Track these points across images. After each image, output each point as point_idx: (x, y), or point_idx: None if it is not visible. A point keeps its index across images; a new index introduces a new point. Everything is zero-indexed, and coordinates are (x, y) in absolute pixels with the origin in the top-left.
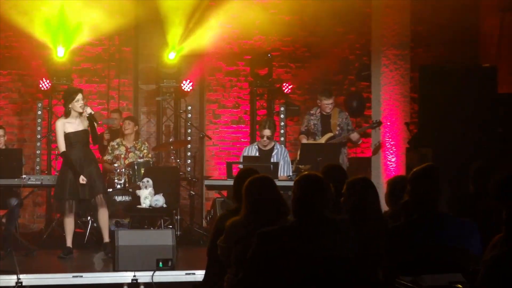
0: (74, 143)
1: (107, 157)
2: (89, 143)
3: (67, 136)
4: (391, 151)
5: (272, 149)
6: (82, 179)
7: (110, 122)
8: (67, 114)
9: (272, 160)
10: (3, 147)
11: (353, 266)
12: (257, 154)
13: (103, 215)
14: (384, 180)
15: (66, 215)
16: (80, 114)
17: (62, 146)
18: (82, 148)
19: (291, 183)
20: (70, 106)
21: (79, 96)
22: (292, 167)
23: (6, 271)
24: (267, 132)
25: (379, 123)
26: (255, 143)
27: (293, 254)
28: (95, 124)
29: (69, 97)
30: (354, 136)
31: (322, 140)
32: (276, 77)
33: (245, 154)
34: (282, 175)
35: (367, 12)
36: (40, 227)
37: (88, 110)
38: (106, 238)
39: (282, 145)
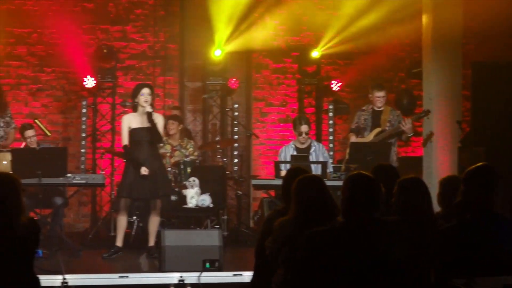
0: (139, 139)
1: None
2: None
3: (132, 131)
4: (443, 150)
5: (309, 147)
6: (144, 170)
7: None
8: (134, 109)
9: (310, 158)
10: (35, 147)
11: (404, 268)
12: (295, 153)
13: (154, 220)
14: (436, 180)
15: (119, 213)
16: (146, 115)
17: (125, 139)
18: (147, 146)
19: (340, 183)
20: (136, 100)
21: (145, 90)
22: (341, 166)
23: (52, 271)
24: (305, 128)
25: (427, 112)
26: (292, 142)
27: (343, 255)
28: (156, 124)
29: (135, 91)
30: (406, 125)
31: (371, 135)
32: (324, 74)
33: (283, 154)
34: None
35: (418, 7)
36: (85, 226)
37: (147, 108)
38: (152, 242)
39: (320, 143)
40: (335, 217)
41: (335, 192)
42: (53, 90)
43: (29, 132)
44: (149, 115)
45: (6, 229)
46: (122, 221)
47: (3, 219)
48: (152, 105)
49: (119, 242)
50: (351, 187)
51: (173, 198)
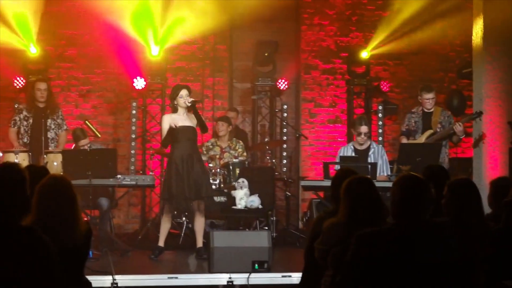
0: (181, 138)
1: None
2: (196, 141)
3: (174, 130)
4: (493, 151)
5: (368, 148)
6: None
7: None
8: (173, 111)
9: (369, 160)
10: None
11: (455, 270)
12: (353, 154)
13: (200, 221)
14: (486, 181)
15: (163, 214)
16: (187, 110)
17: (165, 139)
18: (189, 145)
19: (390, 184)
20: (175, 102)
21: (183, 92)
22: (392, 167)
23: (102, 272)
24: (364, 128)
25: (479, 114)
26: (351, 143)
27: (393, 257)
28: (198, 112)
29: (173, 93)
30: (458, 127)
31: (422, 137)
32: (374, 75)
33: (341, 154)
34: (380, 174)
35: (468, 6)
36: (135, 227)
37: (190, 99)
38: (200, 244)
39: (379, 145)
40: (385, 219)
41: (384, 193)
42: (103, 92)
43: (83, 142)
44: (193, 105)
45: (64, 237)
46: (165, 222)
47: (60, 227)
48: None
49: (161, 242)
50: (401, 189)
51: (219, 199)
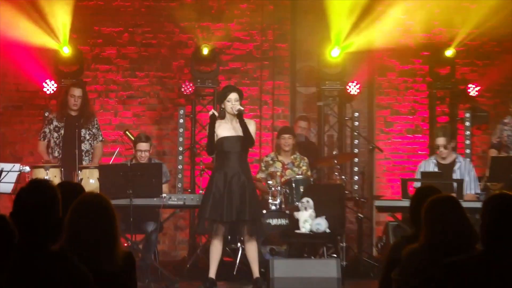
0: (227, 150)
1: (260, 175)
2: (246, 154)
3: (219, 141)
4: None
5: (453, 163)
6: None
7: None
8: (221, 117)
9: (454, 176)
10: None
11: None
12: (436, 169)
13: (252, 246)
14: None
15: (212, 238)
16: (235, 117)
17: (210, 149)
18: (236, 158)
19: (479, 204)
20: (222, 106)
21: (232, 95)
22: (480, 184)
23: None
24: (441, 140)
25: None
26: (433, 157)
27: None
28: (245, 122)
29: (221, 96)
30: None
31: None
32: (460, 77)
33: (422, 170)
34: (467, 193)
35: None
36: (182, 254)
37: (237, 107)
38: (256, 273)
39: (467, 158)
40: (474, 245)
41: (473, 215)
42: (146, 98)
43: (143, 146)
44: (240, 115)
45: (100, 263)
46: (215, 249)
47: (96, 252)
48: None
49: (211, 273)
50: (493, 210)
51: (280, 222)
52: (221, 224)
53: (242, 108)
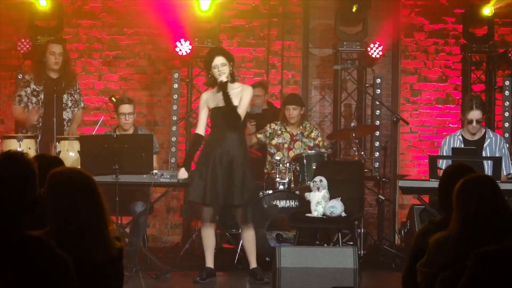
0: (218, 123)
1: (260, 136)
2: (240, 130)
3: (211, 113)
4: None
5: (483, 139)
6: (183, 174)
7: (255, 111)
8: (209, 85)
9: (484, 154)
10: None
11: None
12: (462, 146)
13: (246, 234)
14: None
15: (202, 225)
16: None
17: (198, 126)
18: (228, 133)
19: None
20: (210, 73)
21: (217, 60)
22: None
23: None
24: (476, 114)
25: None
26: (459, 132)
27: None
28: (229, 95)
29: (206, 61)
30: None
31: None
32: (499, 38)
33: (445, 147)
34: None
35: None
36: (176, 240)
37: (222, 77)
38: (253, 264)
39: (497, 134)
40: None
41: (508, 197)
42: (136, 59)
43: (126, 107)
44: (224, 86)
45: (89, 254)
46: (207, 235)
47: (81, 240)
48: (232, 75)
49: (208, 262)
50: None
51: (288, 203)
52: (207, 208)
53: (223, 80)
